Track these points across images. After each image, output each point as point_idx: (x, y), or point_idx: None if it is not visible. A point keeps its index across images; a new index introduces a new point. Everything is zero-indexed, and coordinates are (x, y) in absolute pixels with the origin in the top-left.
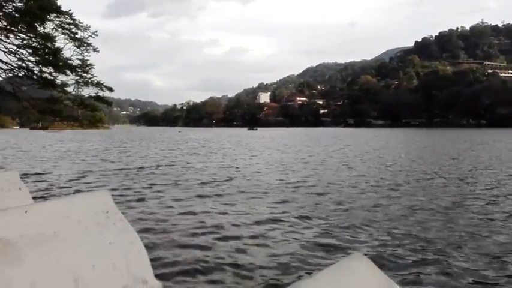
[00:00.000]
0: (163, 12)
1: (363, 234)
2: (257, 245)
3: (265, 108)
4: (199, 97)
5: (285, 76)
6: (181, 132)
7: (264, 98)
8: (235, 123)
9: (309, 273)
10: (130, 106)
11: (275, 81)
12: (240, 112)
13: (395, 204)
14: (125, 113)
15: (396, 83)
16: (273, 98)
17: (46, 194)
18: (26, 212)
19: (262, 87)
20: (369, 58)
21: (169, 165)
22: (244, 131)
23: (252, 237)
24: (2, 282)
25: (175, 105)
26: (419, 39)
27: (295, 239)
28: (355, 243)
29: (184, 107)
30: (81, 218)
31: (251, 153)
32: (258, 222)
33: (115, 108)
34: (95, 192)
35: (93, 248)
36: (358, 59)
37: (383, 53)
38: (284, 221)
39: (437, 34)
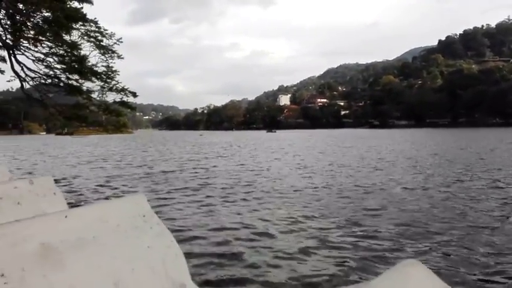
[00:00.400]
0: (184, 18)
1: (403, 239)
2: (292, 251)
3: (286, 110)
4: (219, 101)
5: (306, 78)
6: (203, 135)
7: (284, 100)
8: (255, 126)
9: (349, 282)
10: (153, 111)
11: (295, 83)
12: (260, 115)
13: (433, 207)
14: (147, 117)
15: (420, 82)
16: (293, 100)
17: (77, 198)
18: (66, 216)
19: (282, 90)
20: (390, 58)
21: (193, 169)
22: (263, 133)
23: (286, 242)
24: (44, 286)
25: (196, 109)
26: (443, 38)
27: (331, 244)
28: (395, 251)
29: (205, 111)
30: (120, 222)
31: (274, 155)
32: (291, 228)
33: (138, 113)
34: (131, 196)
35: (132, 252)
36: (379, 59)
37: (405, 53)
38: (316, 225)
39: (461, 32)
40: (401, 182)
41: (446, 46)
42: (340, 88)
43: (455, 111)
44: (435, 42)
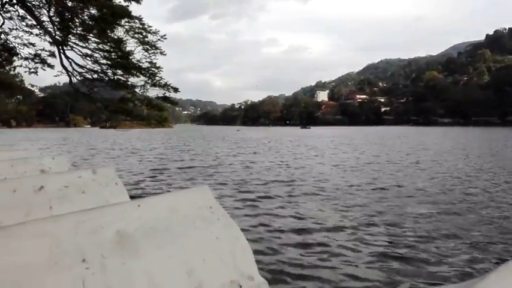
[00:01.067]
0: (224, 14)
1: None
2: (346, 246)
3: (323, 106)
4: (257, 96)
5: (344, 74)
6: (240, 131)
7: (322, 96)
8: (292, 122)
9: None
10: (191, 106)
11: (334, 79)
12: (297, 111)
13: (489, 209)
14: (186, 112)
15: (465, 79)
16: (331, 96)
17: (131, 189)
18: (139, 205)
19: (320, 86)
20: (434, 53)
21: (232, 164)
22: (297, 129)
23: (339, 238)
24: (124, 273)
25: (233, 104)
26: (491, 33)
27: (380, 244)
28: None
29: (242, 106)
30: (188, 213)
31: (312, 152)
32: (340, 224)
33: (177, 108)
34: (197, 187)
35: (202, 242)
36: (423, 54)
37: (450, 48)
38: (364, 224)
39: (510, 26)
40: (464, 183)
41: (494, 41)
42: (380, 84)
43: (503, 109)
44: (482, 37)
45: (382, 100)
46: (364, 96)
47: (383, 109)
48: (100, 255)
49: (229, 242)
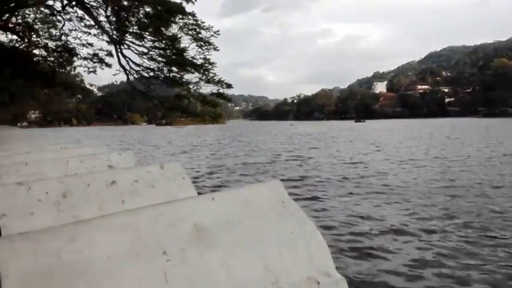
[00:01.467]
0: (276, 7)
1: None
2: (425, 247)
3: (381, 98)
4: (310, 90)
5: (404, 63)
6: (292, 125)
7: (380, 87)
8: (348, 115)
9: None
10: (244, 101)
11: (392, 69)
12: (353, 104)
13: None
14: (238, 108)
15: None
16: (390, 88)
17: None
18: (213, 199)
19: (377, 77)
20: (503, 38)
21: (289, 160)
22: (351, 123)
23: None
24: (202, 266)
25: (285, 99)
26: None
27: (455, 247)
28: None
29: (295, 101)
30: (262, 207)
31: (372, 147)
32: (418, 225)
33: (229, 104)
34: (269, 182)
35: (277, 237)
36: (490, 40)
37: None
38: (446, 223)
39: None
40: None
41: None
42: (444, 73)
43: None
44: None
45: (446, 90)
46: (426, 87)
47: (447, 100)
48: (179, 248)
49: (304, 237)
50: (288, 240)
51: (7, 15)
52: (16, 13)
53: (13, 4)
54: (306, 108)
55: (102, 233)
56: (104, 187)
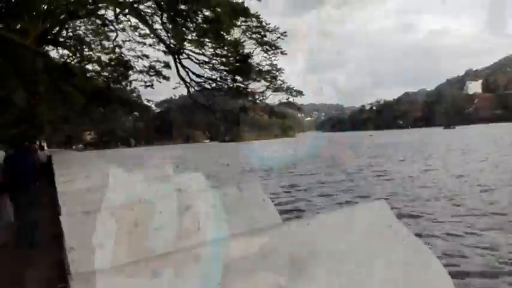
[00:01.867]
0: (347, 2)
1: None
2: None
3: (476, 100)
4: (390, 94)
5: (502, 58)
6: (372, 136)
7: (474, 87)
8: (437, 122)
9: None
10: (315, 111)
11: (488, 65)
12: (442, 108)
13: None
14: (308, 118)
15: None
16: (486, 87)
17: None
18: (308, 224)
19: (471, 75)
20: None
21: (379, 176)
22: (440, 130)
23: None
24: None
25: (363, 106)
26: None
27: None
28: None
29: (374, 107)
30: (367, 232)
31: (472, 156)
32: None
33: (299, 115)
34: (374, 203)
35: (388, 267)
36: None
37: None
38: None
39: None
40: None
41: None
42: None
43: None
44: None
45: None
46: None
47: None
48: (273, 281)
49: (421, 268)
50: (402, 272)
51: (57, 28)
52: (66, 26)
53: (63, 16)
54: (387, 116)
55: (185, 267)
56: (178, 213)
